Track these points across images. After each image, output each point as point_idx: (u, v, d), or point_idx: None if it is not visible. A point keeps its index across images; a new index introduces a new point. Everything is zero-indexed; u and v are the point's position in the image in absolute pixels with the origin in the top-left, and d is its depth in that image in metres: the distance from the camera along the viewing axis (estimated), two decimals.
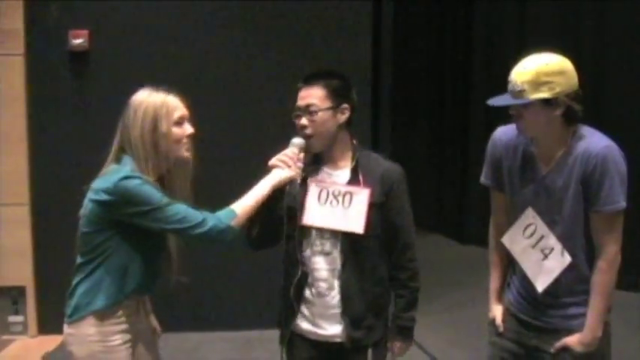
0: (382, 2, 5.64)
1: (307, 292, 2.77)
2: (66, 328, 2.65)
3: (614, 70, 6.80)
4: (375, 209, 2.71)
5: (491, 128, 2.87)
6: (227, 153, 5.06)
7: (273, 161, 2.69)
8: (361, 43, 5.41)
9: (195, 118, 5.31)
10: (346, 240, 2.71)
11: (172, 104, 2.64)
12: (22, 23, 5.09)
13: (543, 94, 2.47)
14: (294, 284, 2.76)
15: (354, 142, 2.82)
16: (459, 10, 8.77)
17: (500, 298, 2.90)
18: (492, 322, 2.89)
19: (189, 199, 2.67)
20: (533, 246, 2.66)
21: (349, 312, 2.73)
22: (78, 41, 5.11)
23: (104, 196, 2.50)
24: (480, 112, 8.12)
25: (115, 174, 2.52)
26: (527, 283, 2.72)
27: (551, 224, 2.61)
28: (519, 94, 2.49)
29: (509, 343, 2.80)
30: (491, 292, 2.93)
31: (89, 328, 2.59)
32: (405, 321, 2.84)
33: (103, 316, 2.59)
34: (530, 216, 2.66)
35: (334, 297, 2.74)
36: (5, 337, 5.25)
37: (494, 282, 2.92)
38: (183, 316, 5.04)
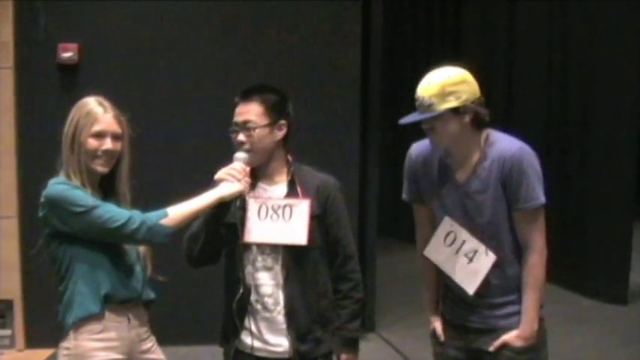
0: (372, 7, 5.66)
1: (253, 308, 2.75)
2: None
3: (601, 70, 6.83)
4: (314, 221, 2.72)
5: None
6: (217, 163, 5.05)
7: (220, 175, 2.66)
8: (350, 50, 5.44)
9: (187, 130, 5.34)
10: (287, 254, 2.71)
11: (96, 116, 2.62)
12: (11, 36, 5.09)
13: (452, 104, 2.58)
14: (235, 301, 2.74)
15: (289, 157, 2.81)
16: (448, 16, 8.84)
17: (436, 310, 2.97)
18: (433, 333, 2.96)
19: (127, 205, 2.69)
20: (457, 252, 2.73)
21: (294, 325, 2.72)
22: (67, 54, 5.12)
23: (41, 212, 2.58)
24: None
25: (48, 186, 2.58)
26: (457, 289, 2.77)
27: (474, 228, 2.69)
28: (429, 107, 2.59)
29: (452, 350, 2.87)
30: (426, 304, 3.00)
31: (69, 341, 2.60)
32: (350, 332, 2.82)
33: (78, 328, 2.58)
34: (448, 224, 2.75)
35: (280, 311, 2.73)
36: None
37: (427, 294, 2.99)
38: (170, 329, 5.02)
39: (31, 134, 5.12)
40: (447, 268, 2.78)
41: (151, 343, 2.81)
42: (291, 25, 5.39)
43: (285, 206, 2.71)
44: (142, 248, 2.75)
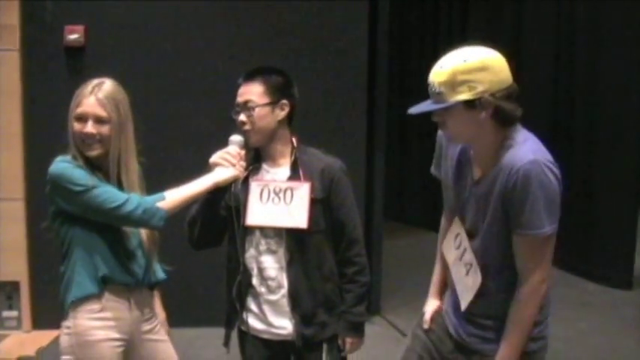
0: (378, 3, 5.64)
1: (256, 291, 2.74)
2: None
3: (609, 56, 6.78)
4: (317, 205, 2.70)
5: None
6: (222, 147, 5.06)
7: (214, 159, 2.65)
8: (357, 34, 5.43)
9: (188, 114, 5.34)
10: (290, 237, 2.69)
11: (81, 98, 2.60)
12: (17, 19, 5.08)
13: (463, 96, 2.17)
14: (235, 285, 2.75)
15: (294, 139, 2.79)
16: (455, 12, 8.81)
17: (439, 294, 2.74)
18: (423, 315, 2.74)
19: (135, 189, 2.66)
20: (460, 258, 2.45)
21: (298, 309, 2.71)
22: (73, 37, 5.11)
23: (47, 188, 2.57)
24: None
25: None
26: (455, 295, 2.54)
27: (473, 237, 2.39)
28: (438, 96, 2.21)
29: (431, 344, 2.65)
30: (431, 284, 2.76)
31: (69, 320, 2.61)
32: (355, 316, 2.80)
33: (77, 307, 2.59)
34: (457, 225, 2.46)
35: (284, 294, 2.72)
36: None
37: (436, 275, 2.75)
38: (177, 311, 5.03)
39: (38, 117, 5.12)
40: (453, 272, 2.52)
41: (153, 323, 2.82)
42: (297, 8, 5.36)
43: (286, 189, 2.69)
44: (144, 234, 2.74)
